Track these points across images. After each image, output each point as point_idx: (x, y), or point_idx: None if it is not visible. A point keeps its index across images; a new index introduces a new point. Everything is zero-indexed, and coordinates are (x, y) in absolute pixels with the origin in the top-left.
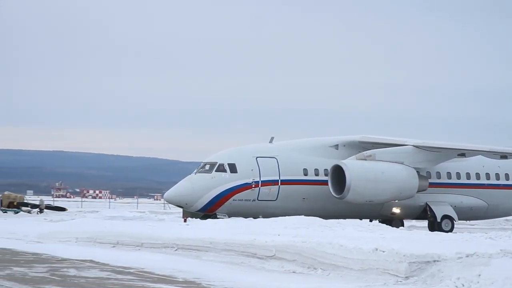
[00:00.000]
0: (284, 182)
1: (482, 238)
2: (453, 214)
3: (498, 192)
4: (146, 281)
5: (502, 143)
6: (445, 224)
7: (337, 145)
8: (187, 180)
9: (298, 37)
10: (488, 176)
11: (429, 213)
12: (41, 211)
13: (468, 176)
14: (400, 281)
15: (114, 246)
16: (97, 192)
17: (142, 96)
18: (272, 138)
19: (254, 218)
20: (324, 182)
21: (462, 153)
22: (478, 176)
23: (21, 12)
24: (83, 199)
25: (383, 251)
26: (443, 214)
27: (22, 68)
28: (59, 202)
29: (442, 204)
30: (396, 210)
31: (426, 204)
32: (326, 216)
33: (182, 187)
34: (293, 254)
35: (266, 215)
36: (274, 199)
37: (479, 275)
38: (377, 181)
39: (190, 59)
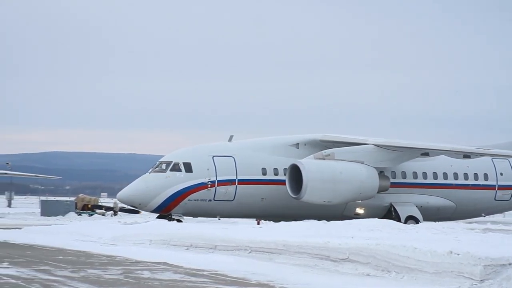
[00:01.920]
0: (242, 181)
1: None
2: (418, 215)
3: (467, 192)
4: (220, 284)
5: (468, 142)
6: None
7: (298, 144)
8: (141, 180)
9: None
10: (456, 176)
11: (393, 213)
12: (115, 213)
13: (435, 176)
14: (475, 284)
15: (187, 249)
16: None
17: (208, 98)
18: (231, 137)
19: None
20: (284, 182)
21: (426, 153)
22: (445, 176)
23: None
24: None
25: (458, 254)
26: (407, 215)
27: (97, 71)
28: None
29: (407, 204)
30: (360, 211)
31: (391, 204)
32: (285, 216)
33: (136, 187)
34: (366, 256)
35: (223, 216)
36: (231, 199)
37: None
38: (335, 181)
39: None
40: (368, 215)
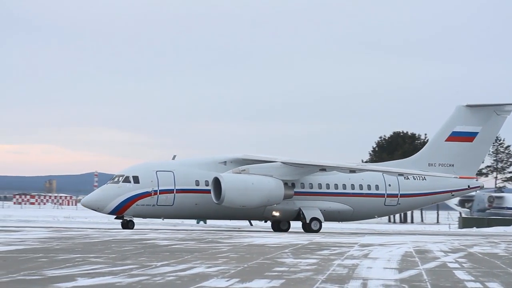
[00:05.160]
0: (179, 190)
1: None
2: (320, 217)
3: (362, 199)
4: None
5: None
6: (314, 225)
7: (225, 161)
8: (100, 189)
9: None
10: (353, 186)
11: (301, 216)
12: None
13: (336, 186)
14: None
15: None
16: None
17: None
18: (174, 156)
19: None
20: None
21: (323, 168)
22: (344, 186)
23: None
24: None
25: None
26: (312, 217)
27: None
28: None
29: (312, 208)
30: (276, 213)
31: (300, 208)
32: (215, 217)
33: (95, 195)
34: None
35: (166, 217)
36: (171, 204)
37: None
38: (247, 190)
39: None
40: (283, 217)
